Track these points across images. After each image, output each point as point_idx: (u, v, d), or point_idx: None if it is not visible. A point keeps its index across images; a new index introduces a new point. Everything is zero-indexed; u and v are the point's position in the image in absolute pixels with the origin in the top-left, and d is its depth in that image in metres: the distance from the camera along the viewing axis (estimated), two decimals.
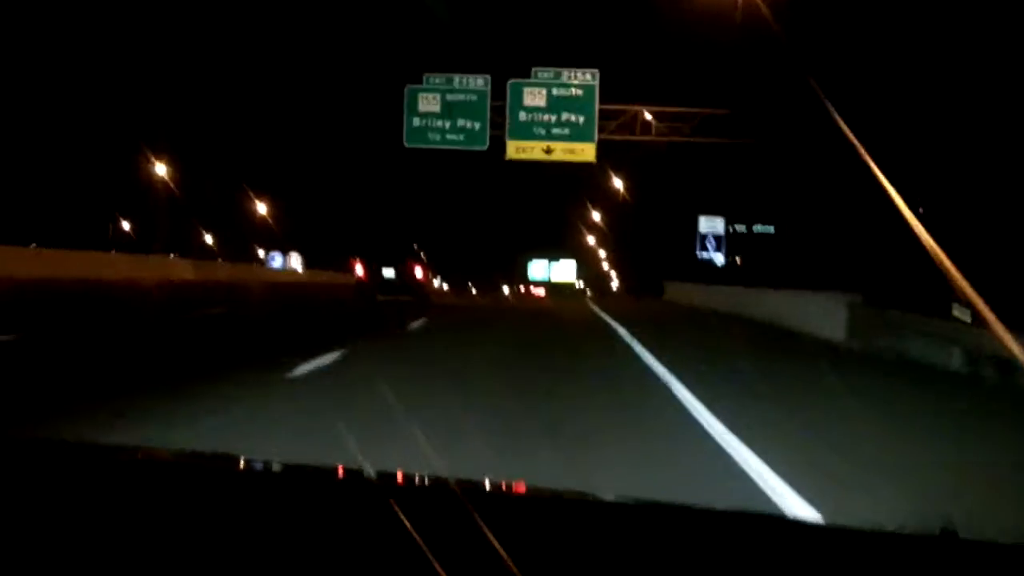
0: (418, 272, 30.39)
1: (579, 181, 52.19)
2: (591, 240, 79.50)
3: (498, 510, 1.35)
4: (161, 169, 51.79)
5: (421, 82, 31.77)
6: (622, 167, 37.27)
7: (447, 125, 31.78)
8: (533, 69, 31.67)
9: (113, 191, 60.59)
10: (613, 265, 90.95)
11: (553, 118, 31.71)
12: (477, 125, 31.78)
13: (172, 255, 42.89)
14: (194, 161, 60.49)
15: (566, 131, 31.69)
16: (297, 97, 35.18)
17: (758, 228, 47.74)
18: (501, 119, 31.89)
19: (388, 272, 29.47)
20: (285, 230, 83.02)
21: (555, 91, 31.61)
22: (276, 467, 1.95)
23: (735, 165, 35.65)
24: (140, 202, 60.27)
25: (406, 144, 32.06)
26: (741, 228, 46.54)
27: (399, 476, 1.77)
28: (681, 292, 33.56)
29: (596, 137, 31.71)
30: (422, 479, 1.80)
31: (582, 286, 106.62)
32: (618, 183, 37.73)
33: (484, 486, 1.66)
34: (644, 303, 33.56)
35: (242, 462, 1.82)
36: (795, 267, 36.68)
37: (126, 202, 65.37)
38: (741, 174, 36.27)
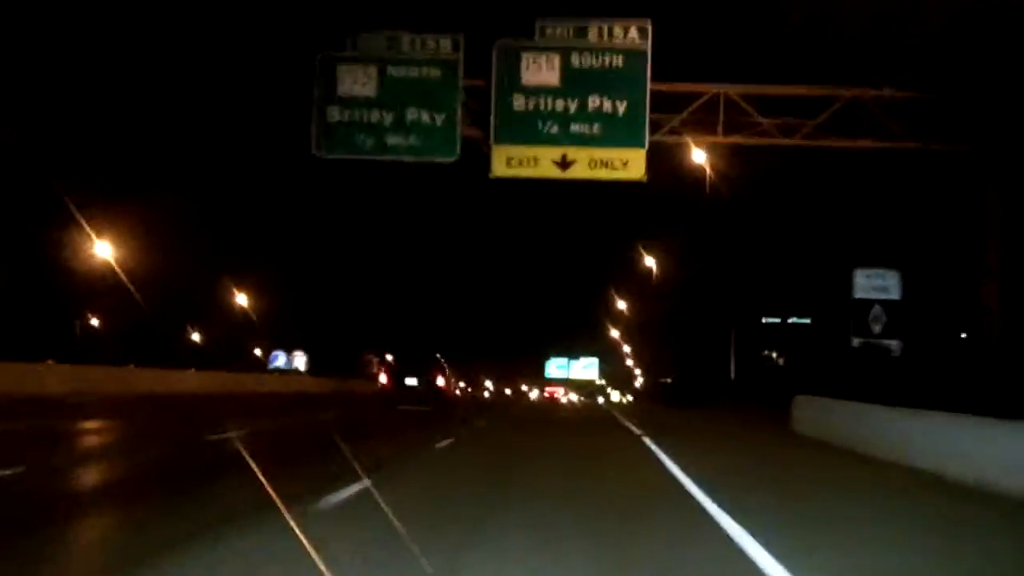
0: (441, 381, 30.25)
1: (616, 210, 38.60)
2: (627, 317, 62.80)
3: None
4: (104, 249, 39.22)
5: (344, 48, 18.43)
6: (678, 194, 23.30)
7: (388, 120, 18.28)
8: (538, 23, 18.18)
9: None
10: (640, 358, 72.61)
11: (573, 106, 18.06)
12: (440, 119, 18.25)
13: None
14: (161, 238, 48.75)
15: (595, 128, 18.00)
16: None
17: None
18: (483, 109, 18.40)
19: (411, 381, 29.26)
20: (281, 321, 70.26)
21: (576, 60, 18.02)
22: None
23: (895, 193, 21.34)
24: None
25: (317, 152, 18.58)
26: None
27: None
28: (848, 420, 14.59)
29: (647, 139, 17.97)
30: None
31: (608, 388, 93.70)
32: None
33: None
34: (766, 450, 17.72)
35: None
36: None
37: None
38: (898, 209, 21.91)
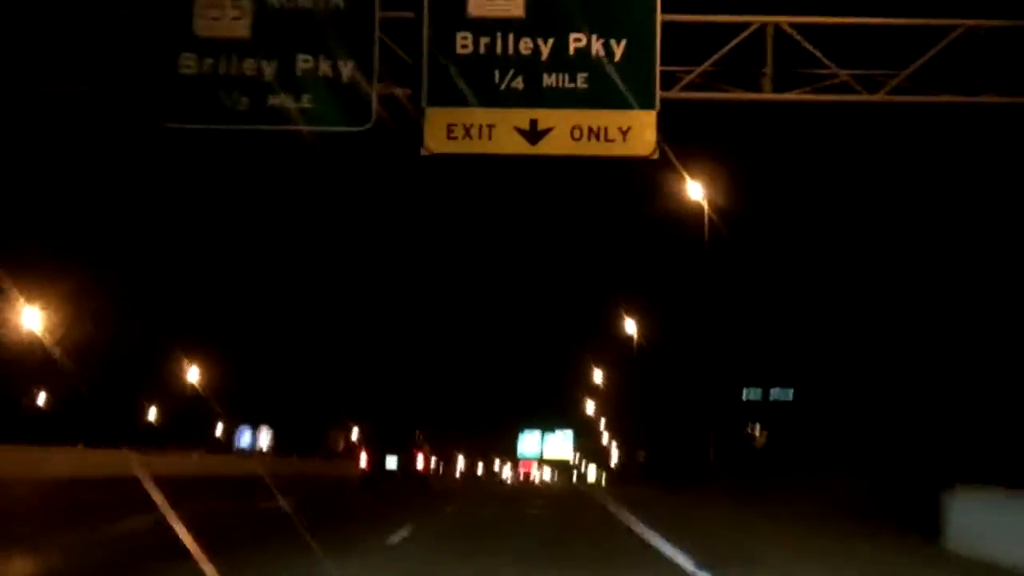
0: (420, 462, 28.44)
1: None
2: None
3: None
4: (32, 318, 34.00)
5: None
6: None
7: (268, 72, 12.07)
8: None
9: None
10: (617, 431, 64.45)
11: (547, 49, 11.91)
12: (346, 71, 12.05)
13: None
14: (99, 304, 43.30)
15: (580, 81, 11.84)
16: None
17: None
18: (412, 55, 12.24)
19: (391, 462, 27.42)
20: (241, 393, 63.57)
21: None
22: None
23: None
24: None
25: (166, 120, 12.37)
26: None
27: None
28: None
29: (657, 96, 11.81)
30: None
31: (583, 464, 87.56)
32: None
33: None
34: None
35: None
36: None
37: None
38: None
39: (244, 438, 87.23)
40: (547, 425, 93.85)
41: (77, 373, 37.62)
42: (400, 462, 27.55)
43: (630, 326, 30.64)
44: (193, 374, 52.76)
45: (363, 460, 28.27)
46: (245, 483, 27.79)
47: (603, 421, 65.09)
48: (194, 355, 53.34)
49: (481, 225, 79.62)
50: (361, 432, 72.67)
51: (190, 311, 53.68)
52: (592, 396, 59.13)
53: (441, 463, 74.71)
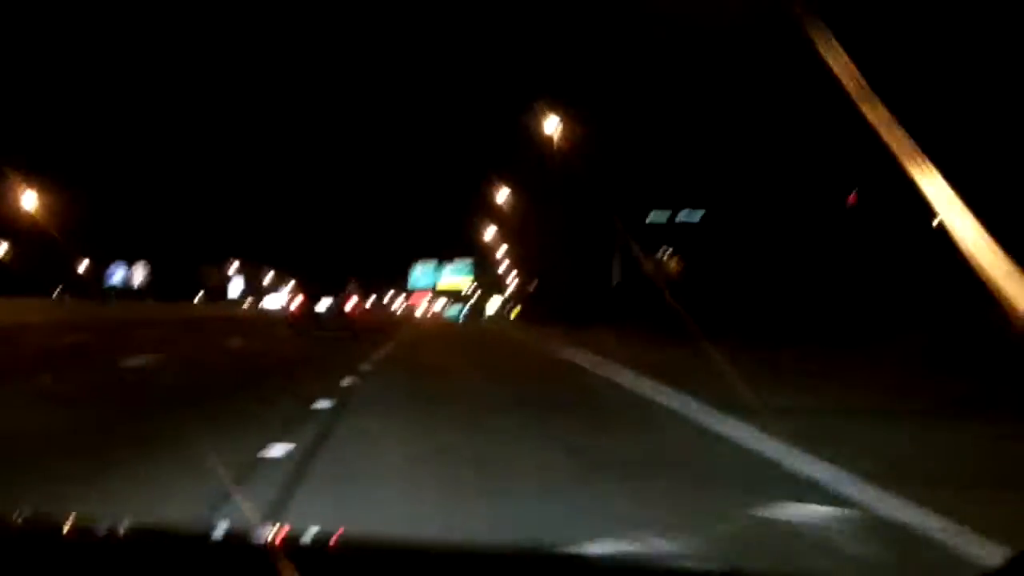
0: (350, 305, 29.10)
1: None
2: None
3: None
4: None
5: None
6: None
7: None
8: None
9: None
10: (516, 259, 61.13)
11: None
12: None
13: None
14: None
15: None
16: None
17: None
18: None
19: (322, 306, 28.16)
20: (105, 229, 58.88)
21: None
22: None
23: None
24: None
25: None
26: None
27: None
28: None
29: None
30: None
31: (476, 297, 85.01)
32: None
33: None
34: None
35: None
36: None
37: None
38: None
39: (116, 275, 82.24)
40: (446, 257, 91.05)
41: None
42: (332, 306, 28.37)
43: (550, 125, 27.86)
44: (30, 201, 43.62)
45: (295, 302, 29.37)
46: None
47: (503, 249, 62.08)
48: (39, 182, 45.21)
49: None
50: (296, 279, 70.49)
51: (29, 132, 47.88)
52: (494, 220, 55.70)
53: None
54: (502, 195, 46.84)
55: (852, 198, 25.64)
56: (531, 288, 57.25)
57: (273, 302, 79.07)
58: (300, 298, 29.16)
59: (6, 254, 56.34)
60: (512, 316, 59.90)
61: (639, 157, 35.23)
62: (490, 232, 58.99)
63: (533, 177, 39.52)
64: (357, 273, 73.10)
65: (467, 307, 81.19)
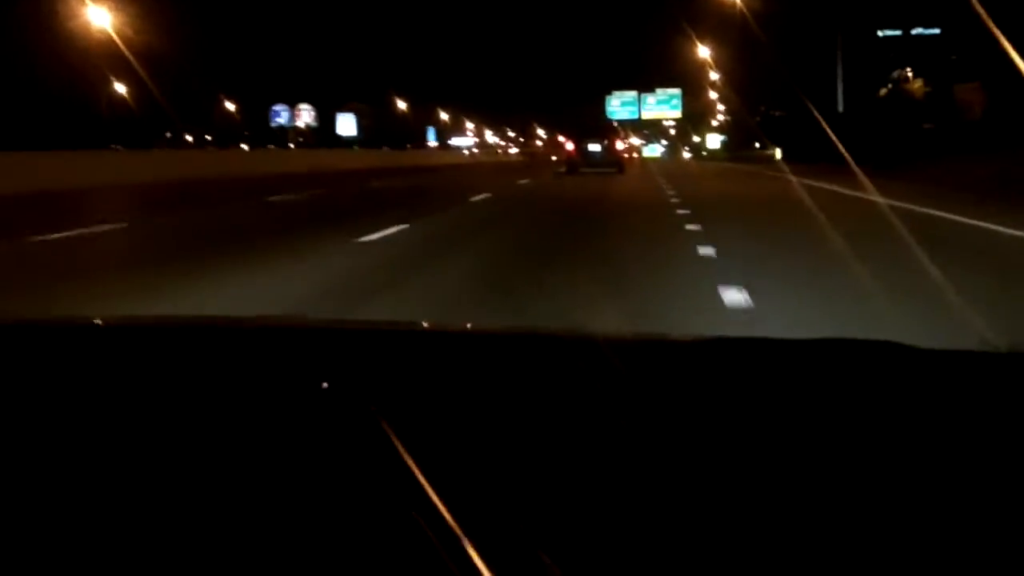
0: (619, 145, 35.41)
1: None
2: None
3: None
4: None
5: None
6: None
7: None
8: None
9: None
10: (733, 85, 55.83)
11: None
12: None
13: None
14: None
15: None
16: None
17: None
18: None
19: (594, 147, 33.11)
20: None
21: None
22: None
23: None
24: None
25: None
26: None
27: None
28: None
29: None
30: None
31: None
32: None
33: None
34: None
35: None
36: None
37: None
38: None
39: (281, 118, 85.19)
40: (644, 87, 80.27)
41: None
42: (602, 147, 33.17)
43: None
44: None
45: (569, 146, 35.37)
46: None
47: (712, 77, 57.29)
48: None
49: None
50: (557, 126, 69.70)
51: None
52: (704, 41, 50.98)
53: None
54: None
55: None
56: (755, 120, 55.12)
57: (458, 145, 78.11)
58: (570, 144, 34.89)
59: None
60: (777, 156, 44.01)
61: None
62: (699, 54, 53.80)
63: None
64: (543, 108, 74.30)
65: (670, 145, 73.58)
